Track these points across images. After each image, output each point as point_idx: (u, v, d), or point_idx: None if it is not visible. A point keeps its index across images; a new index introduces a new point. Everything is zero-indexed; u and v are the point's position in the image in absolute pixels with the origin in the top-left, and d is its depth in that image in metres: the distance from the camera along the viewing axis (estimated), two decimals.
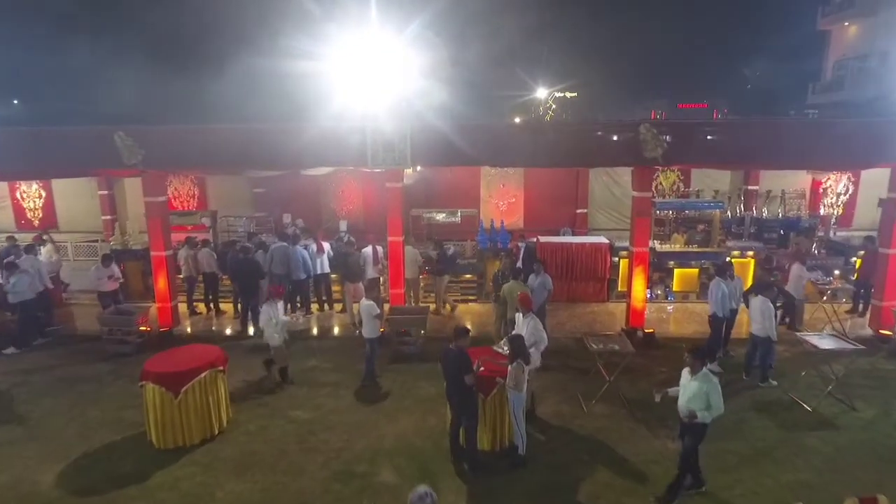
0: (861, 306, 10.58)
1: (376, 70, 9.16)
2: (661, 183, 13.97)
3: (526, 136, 9.60)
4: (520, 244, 11.26)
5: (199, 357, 6.85)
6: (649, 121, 8.62)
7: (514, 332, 7.15)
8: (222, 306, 11.37)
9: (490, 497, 5.77)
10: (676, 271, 11.55)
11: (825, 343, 7.45)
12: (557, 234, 13.22)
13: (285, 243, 10.80)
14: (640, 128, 8.89)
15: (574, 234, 13.53)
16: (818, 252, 11.75)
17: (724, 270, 8.64)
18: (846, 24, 28.46)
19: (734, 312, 8.78)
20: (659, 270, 11.59)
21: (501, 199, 14.24)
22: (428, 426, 7.12)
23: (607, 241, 11.66)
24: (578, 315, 11.01)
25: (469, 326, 7.54)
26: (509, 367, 6.16)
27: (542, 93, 60.74)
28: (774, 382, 8.10)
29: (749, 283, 11.20)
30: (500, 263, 10.13)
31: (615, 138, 9.21)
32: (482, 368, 6.37)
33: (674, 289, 11.63)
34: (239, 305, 10.60)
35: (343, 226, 12.78)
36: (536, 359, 6.96)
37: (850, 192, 13.99)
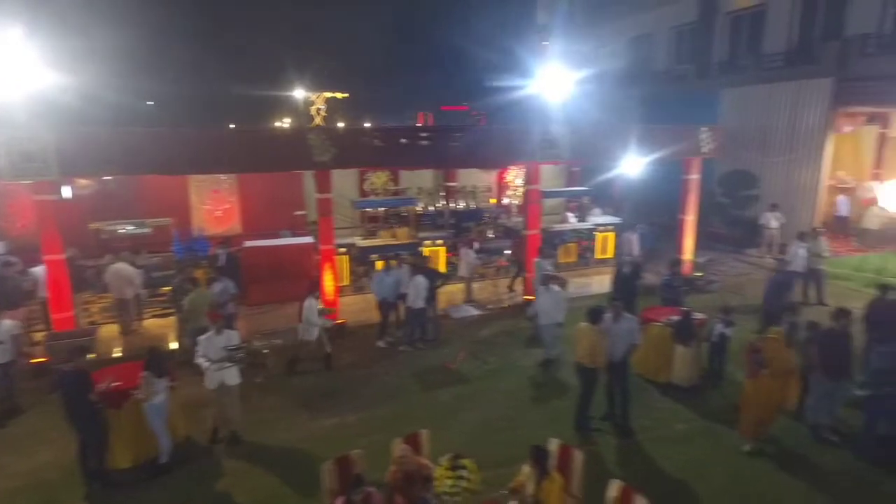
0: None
1: (13, 69, 8.11)
2: (373, 182, 15.11)
3: (203, 142, 9.50)
4: (219, 251, 11.14)
5: None
6: (318, 128, 9.30)
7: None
8: None
9: None
10: (378, 264, 12.64)
11: (458, 313, 8.99)
12: (277, 237, 13.38)
13: None
14: (309, 134, 9.55)
15: (294, 236, 13.84)
16: (494, 236, 14.03)
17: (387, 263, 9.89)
18: (545, 43, 34.41)
19: (403, 297, 10.00)
20: (363, 264, 12.56)
21: (215, 205, 13.87)
22: (69, 456, 6.64)
23: (312, 241, 12.22)
24: (284, 315, 11.31)
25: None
26: (141, 379, 6.13)
27: (314, 94, 60.18)
28: (409, 348, 9.55)
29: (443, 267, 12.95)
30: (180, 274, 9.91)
31: (289, 143, 9.73)
32: (113, 384, 6.22)
33: None
34: None
35: (1, 247, 11.04)
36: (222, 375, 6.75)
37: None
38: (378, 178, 15.19)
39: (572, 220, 15.38)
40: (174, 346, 9.55)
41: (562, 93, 15.87)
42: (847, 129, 16.12)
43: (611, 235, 14.75)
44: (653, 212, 15.98)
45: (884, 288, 8.13)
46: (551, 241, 13.72)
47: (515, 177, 16.76)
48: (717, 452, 6.68)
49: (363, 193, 14.91)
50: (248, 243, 11.95)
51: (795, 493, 5.97)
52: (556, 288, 8.68)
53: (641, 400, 7.82)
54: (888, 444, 6.37)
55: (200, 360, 6.64)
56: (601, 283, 12.65)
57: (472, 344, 9.81)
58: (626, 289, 9.11)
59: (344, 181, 14.24)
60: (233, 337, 6.88)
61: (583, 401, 7.19)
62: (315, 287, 9.08)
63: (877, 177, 16.49)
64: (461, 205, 15.55)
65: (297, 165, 9.83)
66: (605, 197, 16.51)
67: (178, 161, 9.12)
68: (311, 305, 8.59)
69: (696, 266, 13.20)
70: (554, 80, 15.82)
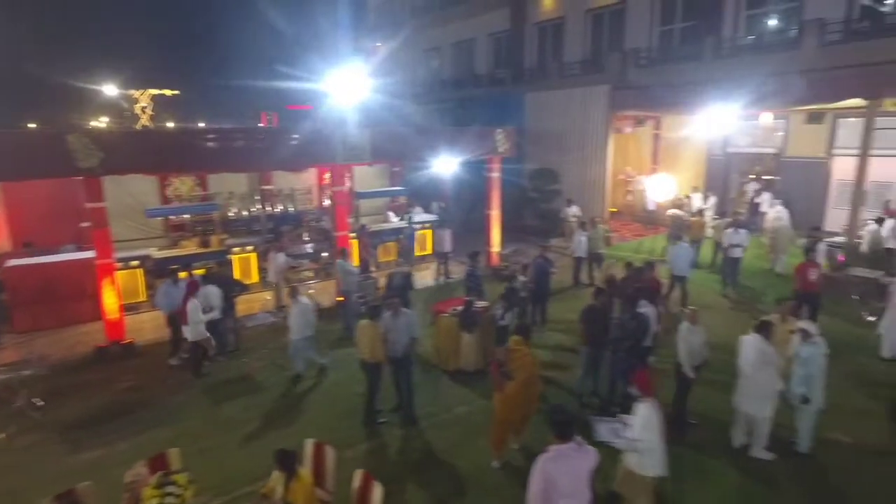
0: None
1: None
2: (177, 188, 14.00)
3: None
4: None
5: None
6: (81, 131, 8.36)
7: None
8: None
9: None
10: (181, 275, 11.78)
11: (253, 321, 8.74)
12: (59, 252, 11.82)
13: None
14: (69, 137, 8.56)
15: (81, 250, 12.34)
16: (310, 239, 13.83)
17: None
18: (377, 44, 34.83)
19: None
20: (162, 277, 11.59)
21: None
22: None
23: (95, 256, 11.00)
24: (61, 341, 10.07)
25: None
26: None
27: (138, 90, 54.55)
28: (206, 363, 9.02)
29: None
30: None
31: (47, 147, 8.63)
32: None
33: None
34: None
35: None
36: None
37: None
38: (183, 184, 14.07)
39: (393, 220, 15.73)
40: None
41: (377, 94, 16.16)
42: (628, 129, 18.56)
43: (429, 233, 15.34)
44: (470, 208, 16.96)
45: (629, 265, 9.47)
46: (372, 241, 13.90)
47: None
48: (489, 429, 7.25)
49: (165, 200, 13.74)
50: (13, 262, 10.41)
51: None
52: (304, 300, 8.62)
53: (432, 388, 8.26)
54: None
55: None
56: (420, 279, 13.16)
57: (275, 351, 9.55)
58: (401, 294, 9.48)
59: (142, 187, 13.03)
60: None
61: (369, 396, 7.37)
62: (196, 288, 8.81)
63: (653, 171, 19.20)
64: (279, 208, 15.06)
65: (59, 172, 8.77)
66: (427, 196, 17.08)
67: None
68: (195, 306, 8.48)
69: (503, 257, 14.27)
70: (370, 82, 16.06)
